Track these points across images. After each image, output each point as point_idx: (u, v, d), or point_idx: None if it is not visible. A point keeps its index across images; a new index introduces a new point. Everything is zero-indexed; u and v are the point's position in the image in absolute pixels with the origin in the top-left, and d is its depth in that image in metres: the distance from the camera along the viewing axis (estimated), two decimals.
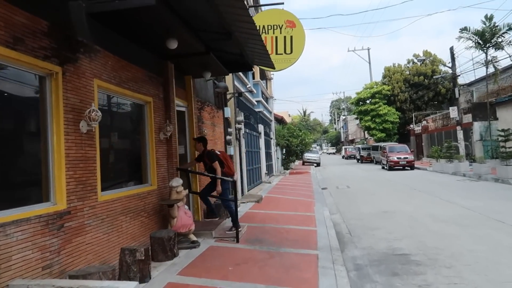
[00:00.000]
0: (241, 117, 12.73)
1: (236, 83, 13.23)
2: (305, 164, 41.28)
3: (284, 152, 34.11)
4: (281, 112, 49.95)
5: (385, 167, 29.24)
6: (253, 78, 21.43)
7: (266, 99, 26.51)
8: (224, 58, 8.16)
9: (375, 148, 37.92)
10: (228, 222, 8.40)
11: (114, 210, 5.08)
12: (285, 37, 11.12)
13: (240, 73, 14.78)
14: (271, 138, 25.96)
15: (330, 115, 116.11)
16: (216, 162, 7.35)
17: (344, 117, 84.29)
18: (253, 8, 16.10)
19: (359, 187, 17.68)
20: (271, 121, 27.06)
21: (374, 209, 11.23)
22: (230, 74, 12.47)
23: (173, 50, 6.79)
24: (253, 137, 17.86)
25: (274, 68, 9.02)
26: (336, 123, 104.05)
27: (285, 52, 11.11)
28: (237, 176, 11.47)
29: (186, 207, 6.70)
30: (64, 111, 4.17)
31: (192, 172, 7.62)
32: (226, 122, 11.89)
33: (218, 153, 7.78)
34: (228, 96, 12.12)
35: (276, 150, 29.22)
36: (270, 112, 26.84)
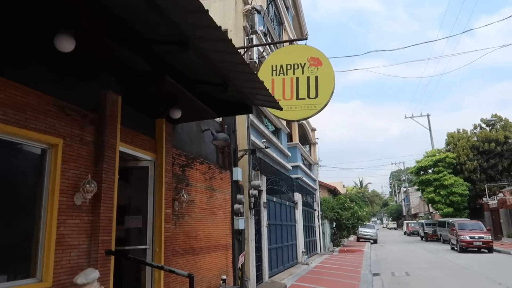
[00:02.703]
0: (258, 181, 10.10)
1: (254, 138, 10.79)
2: (360, 240, 36.57)
3: (334, 226, 30.22)
4: (334, 183, 46.49)
5: (456, 248, 24.30)
6: (291, 140, 19.03)
7: (310, 166, 23.72)
8: (210, 95, 5.86)
9: (441, 224, 32.64)
10: None
11: None
12: (308, 77, 8.69)
13: (264, 129, 12.39)
14: (315, 210, 22.65)
15: (390, 187, 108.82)
16: None
17: (405, 189, 77.88)
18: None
19: (422, 276, 13.67)
20: (315, 190, 23.94)
21: None
22: (245, 126, 10.12)
23: (114, 72, 4.61)
24: (285, 207, 14.92)
25: (281, 109, 6.49)
26: (397, 196, 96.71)
27: (308, 96, 8.62)
28: (242, 260, 8.58)
29: None
30: None
31: (138, 261, 4.85)
32: (235, 187, 9.28)
33: None
34: (240, 154, 9.65)
35: (323, 223, 25.65)
36: (314, 181, 23.85)
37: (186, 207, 6.85)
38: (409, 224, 51.74)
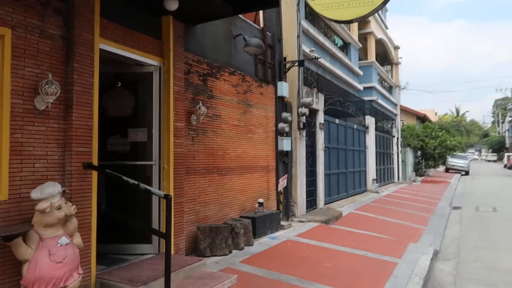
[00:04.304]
0: (310, 99, 8.82)
1: (305, 47, 9.32)
2: (450, 171, 33.56)
3: (418, 155, 27.87)
4: (425, 110, 42.63)
5: None
6: (366, 58, 16.93)
7: (390, 88, 21.35)
8: None
9: None
10: (212, 266, 4.91)
11: None
12: None
13: (325, 41, 10.73)
14: (393, 136, 20.69)
15: (493, 117, 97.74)
16: None
17: (510, 118, 69.23)
18: None
19: None
20: (395, 115, 21.72)
21: None
22: (295, 35, 8.71)
23: None
24: (352, 131, 13.51)
25: None
26: (500, 126, 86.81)
27: None
28: (283, 184, 7.76)
29: (66, 240, 3.44)
30: None
31: (114, 176, 4.01)
32: (281, 103, 8.19)
33: None
34: (288, 66, 8.40)
35: (404, 151, 23.60)
36: (394, 105, 21.55)
37: (209, 122, 6.03)
38: (510, 157, 46.28)
